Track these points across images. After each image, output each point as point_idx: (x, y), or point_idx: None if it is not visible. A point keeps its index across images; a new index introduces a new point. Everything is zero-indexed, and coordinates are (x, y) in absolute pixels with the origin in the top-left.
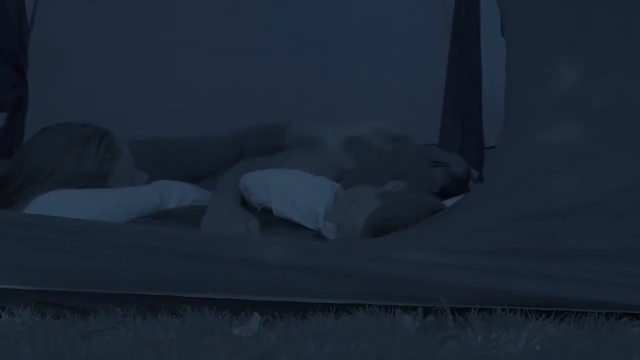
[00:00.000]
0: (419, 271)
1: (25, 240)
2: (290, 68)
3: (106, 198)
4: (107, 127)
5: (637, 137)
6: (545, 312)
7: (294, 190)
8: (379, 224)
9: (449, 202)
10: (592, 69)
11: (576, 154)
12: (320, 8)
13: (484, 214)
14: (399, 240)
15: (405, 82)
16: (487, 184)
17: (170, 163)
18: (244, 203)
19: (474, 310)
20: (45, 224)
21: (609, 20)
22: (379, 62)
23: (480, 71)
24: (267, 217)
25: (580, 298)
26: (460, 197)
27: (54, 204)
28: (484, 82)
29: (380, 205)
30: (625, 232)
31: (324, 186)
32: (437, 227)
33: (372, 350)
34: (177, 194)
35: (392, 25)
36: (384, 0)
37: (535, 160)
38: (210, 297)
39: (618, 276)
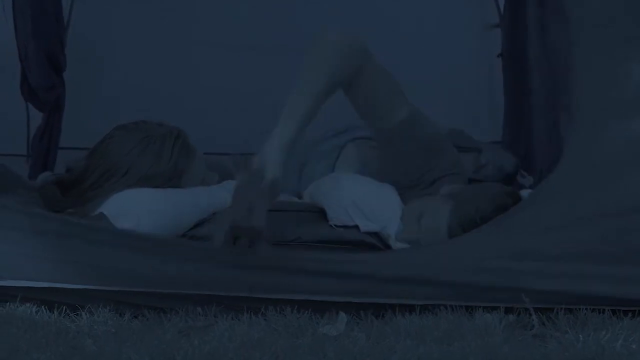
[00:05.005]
0: (498, 278)
1: (106, 244)
2: None
3: (181, 197)
4: None
5: None
6: (631, 311)
7: (369, 208)
8: (465, 218)
9: None
10: None
11: None
12: (351, 6)
13: (558, 210)
14: (475, 245)
15: (438, 80)
16: (559, 179)
17: None
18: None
19: (559, 309)
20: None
21: None
22: (413, 60)
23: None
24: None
25: None
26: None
27: (131, 201)
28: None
29: (454, 205)
30: None
31: (394, 200)
32: (510, 226)
33: (477, 349)
34: None
35: (424, 23)
36: None
37: (613, 154)
38: (293, 298)
39: None
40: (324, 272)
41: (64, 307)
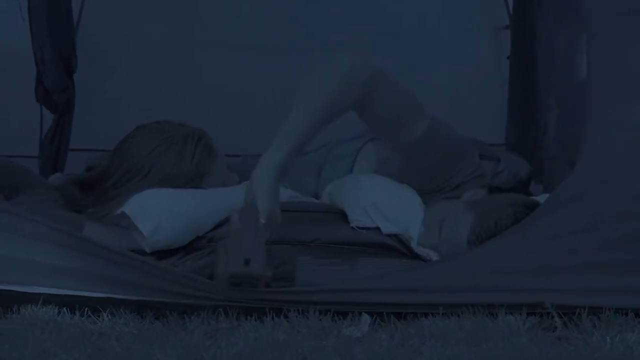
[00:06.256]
0: (518, 297)
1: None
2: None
3: (203, 198)
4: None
5: None
6: None
7: (390, 209)
8: (485, 233)
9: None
10: None
11: None
12: (354, 6)
13: (575, 216)
14: (492, 261)
15: (442, 82)
16: (576, 181)
17: None
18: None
19: (581, 311)
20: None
21: None
22: (418, 61)
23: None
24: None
25: None
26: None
27: (153, 201)
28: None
29: (475, 217)
30: None
31: (414, 201)
32: (527, 237)
33: (505, 350)
34: None
35: (430, 24)
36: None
37: (630, 154)
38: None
39: None
40: (338, 303)
41: (86, 309)
